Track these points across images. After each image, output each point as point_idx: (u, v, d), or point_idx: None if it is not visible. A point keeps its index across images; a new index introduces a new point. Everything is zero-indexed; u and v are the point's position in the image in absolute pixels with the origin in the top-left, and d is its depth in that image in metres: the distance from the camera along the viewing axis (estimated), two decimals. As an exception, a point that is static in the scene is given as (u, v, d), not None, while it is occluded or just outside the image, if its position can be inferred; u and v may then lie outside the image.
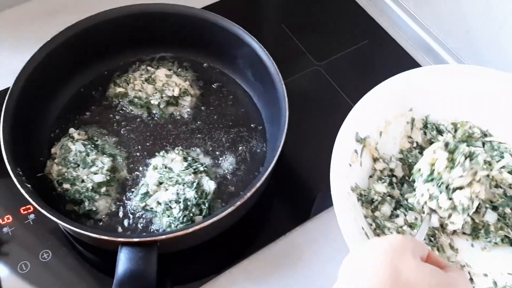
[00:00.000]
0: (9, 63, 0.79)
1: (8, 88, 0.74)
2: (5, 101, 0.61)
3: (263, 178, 0.58)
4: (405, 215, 0.62)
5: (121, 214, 0.64)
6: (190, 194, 0.61)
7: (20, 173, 0.57)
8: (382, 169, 0.65)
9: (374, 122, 0.65)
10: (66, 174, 0.63)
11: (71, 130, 0.68)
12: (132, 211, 0.64)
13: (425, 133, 0.70)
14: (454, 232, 0.64)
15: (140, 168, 0.67)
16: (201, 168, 0.65)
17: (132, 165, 0.68)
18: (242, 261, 0.64)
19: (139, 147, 0.69)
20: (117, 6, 0.71)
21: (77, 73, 0.73)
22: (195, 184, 0.62)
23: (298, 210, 0.69)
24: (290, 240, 0.66)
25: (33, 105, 0.66)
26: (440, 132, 0.70)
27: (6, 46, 0.81)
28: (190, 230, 0.54)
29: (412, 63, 0.84)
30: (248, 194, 0.57)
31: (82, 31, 0.69)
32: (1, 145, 0.58)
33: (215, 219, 0.55)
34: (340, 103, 0.78)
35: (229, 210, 0.56)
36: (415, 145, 0.70)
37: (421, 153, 0.70)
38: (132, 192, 0.65)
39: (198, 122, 0.72)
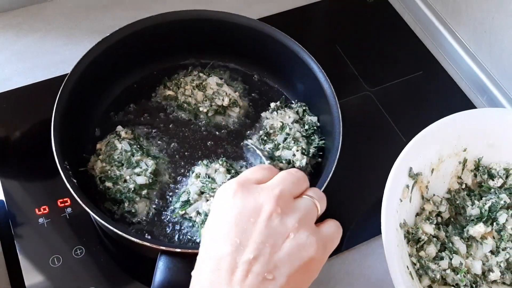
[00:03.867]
0: (62, 51, 0.80)
1: (60, 76, 0.75)
2: (59, 91, 0.60)
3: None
4: (450, 259, 0.60)
5: (158, 219, 0.63)
6: (232, 208, 0.60)
7: (67, 166, 0.56)
8: (431, 210, 0.63)
9: (428, 158, 0.63)
10: (109, 172, 0.62)
11: (119, 127, 0.67)
12: (170, 217, 0.63)
13: (475, 176, 0.68)
14: (494, 281, 0.62)
15: (183, 175, 0.66)
16: (244, 183, 0.64)
17: (174, 170, 0.66)
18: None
19: (183, 153, 0.68)
20: (169, 7, 0.71)
21: (129, 71, 0.73)
22: (237, 199, 0.61)
23: (336, 238, 0.67)
24: (325, 268, 0.64)
25: (83, 99, 0.65)
26: (491, 176, 0.68)
27: (60, 34, 0.81)
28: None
29: (464, 101, 0.82)
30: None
31: (141, 30, 0.68)
32: (51, 136, 0.57)
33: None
34: (388, 132, 0.76)
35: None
36: (464, 186, 0.68)
37: (469, 195, 0.68)
38: (173, 198, 0.64)
39: (244, 135, 0.71)
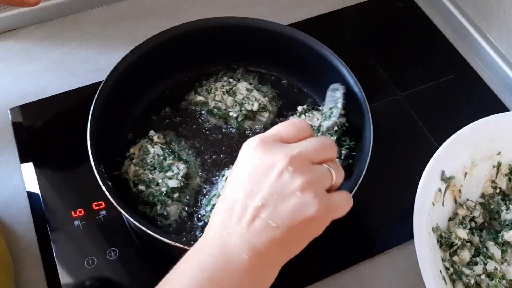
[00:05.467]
0: (97, 59, 0.82)
1: (94, 83, 0.77)
2: (95, 97, 0.62)
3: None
4: (485, 264, 0.59)
5: (190, 222, 0.64)
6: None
7: (103, 170, 0.58)
8: (465, 215, 0.62)
9: (461, 162, 0.62)
10: (142, 175, 0.64)
11: (151, 132, 0.68)
12: (201, 220, 0.64)
13: (510, 180, 0.67)
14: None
15: (213, 178, 0.67)
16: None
17: (205, 174, 0.67)
18: None
19: (214, 156, 0.69)
20: (198, 15, 0.72)
21: (161, 78, 0.74)
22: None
23: (367, 243, 0.66)
24: (357, 273, 0.64)
25: (117, 104, 0.67)
26: (526, 180, 0.66)
27: (96, 43, 0.84)
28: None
29: (497, 104, 0.80)
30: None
31: (173, 38, 0.69)
32: (87, 140, 0.58)
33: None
34: (419, 136, 0.75)
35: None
36: (498, 191, 0.67)
37: (503, 199, 0.66)
38: (203, 201, 0.65)
39: (274, 140, 0.71)
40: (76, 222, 0.65)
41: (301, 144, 0.44)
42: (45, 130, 0.74)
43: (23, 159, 0.70)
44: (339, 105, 0.64)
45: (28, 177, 0.69)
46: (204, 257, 0.41)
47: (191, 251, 0.42)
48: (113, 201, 0.55)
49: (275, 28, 0.72)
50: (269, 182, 0.42)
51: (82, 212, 0.65)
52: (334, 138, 0.67)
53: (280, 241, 0.41)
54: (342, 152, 0.67)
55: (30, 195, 0.67)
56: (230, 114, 0.72)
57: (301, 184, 0.41)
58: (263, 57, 0.76)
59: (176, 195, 0.63)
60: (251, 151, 0.44)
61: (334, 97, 0.65)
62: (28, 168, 0.69)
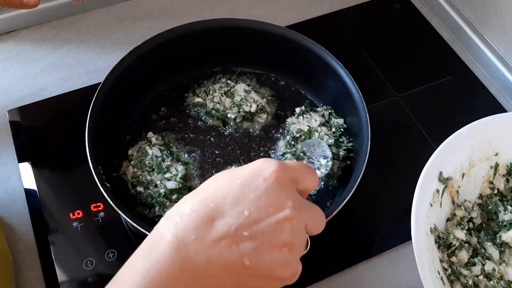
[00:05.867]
0: (95, 61, 0.82)
1: (93, 85, 0.77)
2: (94, 99, 0.62)
3: (335, 211, 0.56)
4: (483, 264, 0.59)
5: (188, 223, 0.64)
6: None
7: (101, 171, 0.58)
8: (463, 216, 0.62)
9: (458, 163, 0.62)
10: (140, 177, 0.64)
11: (150, 134, 0.68)
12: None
13: (507, 180, 0.67)
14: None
15: (211, 180, 0.67)
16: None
17: (203, 176, 0.67)
18: (305, 288, 0.62)
19: (212, 158, 0.69)
20: (197, 16, 0.72)
21: (159, 79, 0.74)
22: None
23: (365, 244, 0.66)
24: (355, 274, 0.64)
25: (115, 106, 0.67)
26: (524, 181, 0.66)
27: (93, 45, 0.84)
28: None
29: (495, 105, 0.81)
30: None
31: (171, 39, 0.70)
32: (86, 142, 0.59)
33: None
34: (417, 137, 0.76)
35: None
36: (496, 191, 0.67)
37: (501, 200, 0.66)
38: (202, 203, 0.65)
39: (272, 140, 0.72)
40: (75, 224, 0.65)
41: (309, 207, 0.41)
42: (43, 132, 0.74)
43: (21, 161, 0.70)
44: (329, 162, 0.64)
45: (27, 179, 0.69)
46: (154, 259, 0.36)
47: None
48: (111, 203, 0.55)
49: (273, 30, 0.72)
50: (269, 221, 0.38)
51: (81, 213, 0.65)
52: (332, 140, 0.67)
53: (239, 278, 0.37)
54: (340, 153, 0.67)
55: (28, 196, 0.67)
56: (228, 115, 0.72)
57: (291, 241, 0.38)
58: (261, 58, 0.77)
59: (174, 196, 0.63)
60: (267, 175, 0.39)
61: (323, 152, 0.66)
62: (27, 170, 0.69)
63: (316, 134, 0.68)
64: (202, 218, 0.37)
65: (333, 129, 0.69)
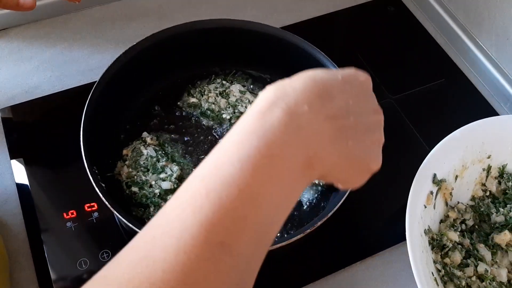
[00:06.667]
0: (89, 60, 0.82)
1: (86, 84, 0.77)
2: (89, 97, 0.62)
3: (330, 213, 0.57)
4: (476, 266, 0.60)
5: (183, 224, 0.63)
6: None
7: (96, 171, 0.57)
8: (456, 217, 0.63)
9: (452, 165, 0.63)
10: (135, 177, 0.63)
11: (144, 134, 0.68)
12: (194, 222, 0.63)
13: (499, 183, 0.68)
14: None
15: (206, 181, 0.67)
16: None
17: (198, 176, 0.67)
18: (299, 289, 0.62)
19: (207, 159, 0.69)
20: (192, 16, 0.72)
21: (154, 79, 0.74)
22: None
23: (359, 244, 0.67)
24: (349, 275, 0.64)
25: (110, 105, 0.66)
26: (516, 183, 0.67)
27: (87, 44, 0.83)
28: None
29: (487, 108, 0.81)
30: (308, 231, 0.56)
31: (166, 39, 0.69)
32: (80, 140, 0.58)
33: (284, 243, 0.54)
34: (410, 139, 0.76)
35: (296, 237, 0.55)
36: (488, 193, 0.68)
37: (493, 202, 0.67)
38: (197, 203, 0.65)
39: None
40: (68, 224, 0.64)
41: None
42: (36, 131, 0.73)
43: (14, 160, 0.70)
44: None
45: (19, 178, 0.68)
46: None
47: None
48: (107, 203, 0.54)
49: (268, 30, 0.72)
50: (368, 116, 0.39)
51: (74, 213, 0.65)
52: None
53: (339, 159, 0.37)
54: None
55: (21, 196, 0.67)
56: (223, 116, 0.72)
57: (381, 139, 0.42)
58: (257, 59, 0.77)
59: (169, 196, 0.63)
60: (363, 79, 0.41)
61: None
62: (19, 169, 0.69)
63: None
64: (315, 93, 0.36)
65: None
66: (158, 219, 0.33)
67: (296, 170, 0.35)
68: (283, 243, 0.54)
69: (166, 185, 0.63)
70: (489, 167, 0.67)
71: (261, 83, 0.77)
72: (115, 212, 0.54)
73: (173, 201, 0.33)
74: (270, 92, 0.36)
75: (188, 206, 0.31)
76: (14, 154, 0.70)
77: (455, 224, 0.62)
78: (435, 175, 0.60)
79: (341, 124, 0.37)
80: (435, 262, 0.59)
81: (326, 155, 0.36)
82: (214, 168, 0.33)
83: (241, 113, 0.72)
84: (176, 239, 0.30)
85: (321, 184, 0.67)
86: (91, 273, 0.60)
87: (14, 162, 0.69)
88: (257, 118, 0.34)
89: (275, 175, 0.33)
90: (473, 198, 0.67)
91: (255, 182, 0.32)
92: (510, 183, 0.67)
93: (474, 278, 0.59)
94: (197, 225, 0.30)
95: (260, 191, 0.32)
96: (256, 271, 0.34)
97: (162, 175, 0.64)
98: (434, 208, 0.61)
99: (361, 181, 0.42)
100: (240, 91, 0.73)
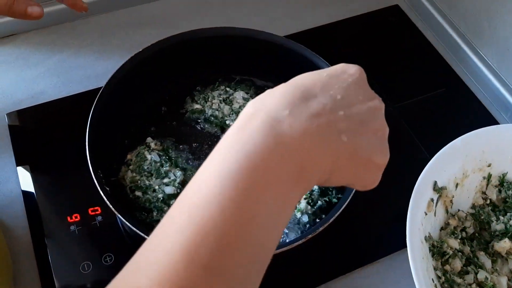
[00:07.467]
0: (94, 66, 0.83)
1: (92, 90, 0.78)
2: (95, 102, 0.63)
3: (332, 219, 0.57)
4: (476, 273, 0.60)
5: (185, 229, 0.64)
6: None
7: (101, 175, 0.58)
8: (456, 225, 0.63)
9: (453, 173, 0.64)
10: (139, 181, 0.64)
11: (149, 139, 0.69)
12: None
13: (500, 191, 0.68)
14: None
15: (209, 186, 0.68)
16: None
17: (201, 182, 0.68)
18: (300, 295, 0.63)
19: (210, 165, 0.70)
20: (196, 24, 0.73)
21: (158, 85, 0.75)
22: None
23: (359, 251, 0.67)
24: (349, 282, 0.64)
25: (115, 111, 0.67)
26: (516, 192, 0.68)
27: (93, 50, 0.84)
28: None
29: (488, 118, 0.82)
30: (309, 237, 0.56)
31: (171, 46, 0.70)
32: (86, 145, 0.59)
33: (284, 249, 0.54)
34: (411, 147, 0.77)
35: (297, 243, 0.55)
36: (488, 202, 0.68)
37: (493, 211, 0.68)
38: (199, 208, 0.66)
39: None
40: (72, 227, 0.65)
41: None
42: (42, 135, 0.74)
43: (19, 164, 0.71)
44: None
45: (25, 182, 0.69)
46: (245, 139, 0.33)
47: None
48: (111, 207, 0.55)
49: (272, 39, 0.73)
50: (362, 107, 0.37)
51: (78, 217, 0.65)
52: None
53: (339, 159, 0.35)
54: None
55: (26, 199, 0.67)
56: (227, 122, 0.73)
57: (385, 127, 0.39)
58: (260, 67, 0.78)
59: (172, 201, 0.64)
60: (352, 72, 0.39)
61: None
62: (25, 173, 0.70)
63: None
64: (296, 96, 0.35)
65: None
66: (144, 246, 0.32)
67: (285, 179, 0.32)
68: (283, 249, 0.54)
69: (169, 189, 0.64)
70: (490, 176, 0.68)
71: (264, 90, 0.78)
72: (118, 215, 0.55)
73: (158, 227, 0.32)
74: (249, 107, 0.35)
75: (172, 233, 0.30)
76: (19, 158, 0.71)
77: (456, 232, 0.63)
78: (435, 182, 0.61)
79: (328, 120, 0.35)
80: (435, 269, 0.59)
81: (319, 156, 0.34)
82: (197, 187, 0.32)
83: (244, 119, 0.72)
84: (158, 265, 0.29)
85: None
86: (94, 276, 0.61)
87: (19, 166, 0.70)
88: (236, 133, 0.34)
89: (259, 188, 0.31)
90: (473, 206, 0.68)
91: (238, 197, 0.30)
92: (510, 192, 0.68)
93: (474, 286, 0.59)
94: (179, 249, 0.29)
95: (244, 206, 0.30)
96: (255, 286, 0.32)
97: (166, 180, 0.64)
98: (435, 215, 0.62)
99: (372, 179, 0.39)
100: (244, 98, 0.74)
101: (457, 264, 0.60)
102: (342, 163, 0.36)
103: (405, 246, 0.55)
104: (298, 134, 0.33)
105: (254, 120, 0.34)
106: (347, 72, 0.39)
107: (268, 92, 0.36)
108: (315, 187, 0.66)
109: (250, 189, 0.31)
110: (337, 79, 0.37)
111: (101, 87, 0.65)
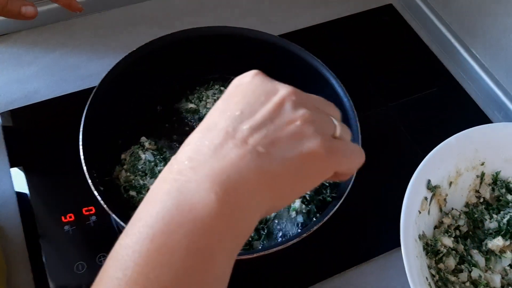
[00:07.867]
0: (88, 66, 0.82)
1: (85, 89, 0.78)
2: (88, 102, 0.62)
3: (326, 217, 0.57)
4: (469, 271, 0.60)
5: (180, 228, 0.64)
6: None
7: (95, 175, 0.58)
8: (450, 223, 0.63)
9: (446, 171, 0.64)
10: (133, 181, 0.64)
11: (143, 138, 0.69)
12: (191, 227, 0.64)
13: (493, 190, 0.69)
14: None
15: (203, 185, 0.68)
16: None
17: (195, 181, 0.68)
18: (295, 294, 0.63)
19: (204, 164, 0.70)
20: (191, 24, 0.73)
21: (152, 85, 0.75)
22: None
23: (355, 250, 0.67)
24: (343, 280, 0.65)
25: (109, 111, 0.67)
26: (509, 190, 0.68)
27: (87, 50, 0.84)
28: (245, 257, 0.54)
29: (481, 117, 0.83)
30: (303, 235, 0.56)
31: (166, 45, 0.70)
32: (80, 144, 0.59)
33: (278, 248, 0.54)
34: (405, 145, 0.77)
35: (291, 242, 0.55)
36: (482, 200, 0.69)
37: (487, 209, 0.68)
38: (194, 208, 0.65)
39: (264, 148, 0.72)
40: (66, 227, 0.64)
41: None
42: (35, 135, 0.74)
43: (13, 164, 0.70)
44: None
45: (18, 182, 0.68)
46: (156, 209, 0.33)
47: (142, 204, 0.35)
48: (105, 206, 0.55)
49: (266, 38, 0.73)
50: (265, 108, 0.35)
51: (72, 217, 0.65)
52: None
53: (268, 174, 0.32)
54: None
55: (20, 199, 0.67)
56: (221, 122, 0.72)
57: (302, 115, 0.35)
58: (255, 66, 0.75)
59: (166, 201, 0.64)
60: (246, 79, 0.38)
61: None
62: (18, 173, 0.69)
63: None
64: (196, 141, 0.35)
65: None
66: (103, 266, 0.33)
67: (206, 215, 0.31)
68: (278, 248, 0.54)
69: (163, 189, 0.64)
70: (483, 174, 0.68)
71: (259, 90, 0.78)
72: (113, 215, 0.54)
73: (113, 250, 0.34)
74: (164, 171, 0.36)
75: (115, 271, 0.32)
76: (13, 158, 0.71)
77: (449, 230, 0.63)
78: (429, 181, 0.61)
79: (237, 142, 0.33)
80: (429, 267, 0.59)
81: (245, 179, 0.32)
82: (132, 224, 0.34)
83: (239, 119, 0.72)
84: None
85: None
86: (88, 276, 0.61)
87: (13, 166, 0.70)
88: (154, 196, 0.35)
89: (178, 224, 0.31)
90: (467, 205, 0.68)
91: (163, 235, 0.31)
92: (504, 190, 0.68)
93: (468, 284, 0.60)
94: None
95: (167, 243, 0.31)
96: None
97: (160, 180, 0.64)
98: (429, 214, 0.62)
99: (333, 167, 0.36)
100: (238, 98, 0.74)
101: (451, 262, 0.60)
102: (278, 175, 0.33)
103: (399, 245, 0.55)
104: (219, 174, 0.32)
105: (165, 185, 0.34)
106: (241, 82, 0.38)
107: (181, 151, 0.36)
108: None
109: (170, 224, 0.32)
110: (231, 96, 0.37)
111: (94, 87, 0.64)
